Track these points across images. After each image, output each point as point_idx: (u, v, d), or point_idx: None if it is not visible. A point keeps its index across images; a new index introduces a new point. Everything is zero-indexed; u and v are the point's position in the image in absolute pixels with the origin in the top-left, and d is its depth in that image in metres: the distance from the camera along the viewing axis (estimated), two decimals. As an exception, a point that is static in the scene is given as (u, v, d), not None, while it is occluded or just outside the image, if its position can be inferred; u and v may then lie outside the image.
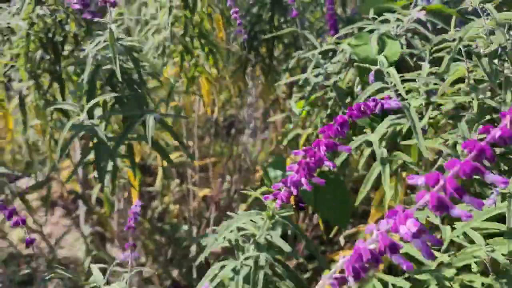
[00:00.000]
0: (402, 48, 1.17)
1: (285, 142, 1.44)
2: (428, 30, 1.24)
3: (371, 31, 1.22)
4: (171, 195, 2.14)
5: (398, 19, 1.22)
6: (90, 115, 0.90)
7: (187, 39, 1.28)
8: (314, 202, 1.37)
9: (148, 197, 2.26)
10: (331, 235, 1.49)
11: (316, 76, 1.30)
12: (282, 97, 1.99)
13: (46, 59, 1.56)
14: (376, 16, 1.25)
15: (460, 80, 0.97)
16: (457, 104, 0.93)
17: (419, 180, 0.49)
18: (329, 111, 1.32)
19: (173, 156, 2.01)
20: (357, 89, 1.28)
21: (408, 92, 1.01)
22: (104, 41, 0.91)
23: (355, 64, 1.16)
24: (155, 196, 2.28)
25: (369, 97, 0.94)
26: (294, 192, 0.76)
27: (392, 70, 0.93)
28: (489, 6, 0.85)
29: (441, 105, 0.98)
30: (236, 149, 2.24)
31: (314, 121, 1.35)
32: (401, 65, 1.18)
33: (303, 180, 0.73)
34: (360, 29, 1.29)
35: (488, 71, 0.85)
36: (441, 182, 0.46)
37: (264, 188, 0.89)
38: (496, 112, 0.87)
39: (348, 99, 1.29)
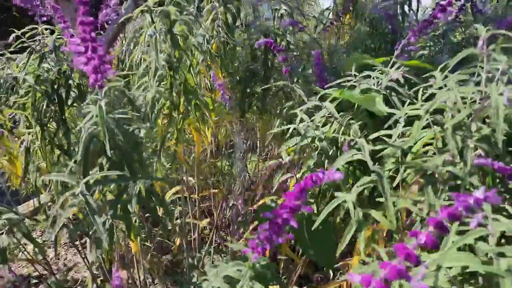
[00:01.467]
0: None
1: (276, 184, 1.51)
2: (409, 83, 1.32)
3: (354, 87, 1.30)
4: (173, 228, 2.22)
5: (379, 75, 1.29)
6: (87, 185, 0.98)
7: (174, 94, 1.37)
8: (300, 243, 1.43)
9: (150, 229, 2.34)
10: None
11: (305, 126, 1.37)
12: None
13: (52, 108, 1.67)
14: (357, 74, 1.32)
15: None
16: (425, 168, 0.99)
17: (356, 278, 0.56)
18: (316, 159, 1.39)
19: (173, 190, 2.10)
20: (341, 139, 1.36)
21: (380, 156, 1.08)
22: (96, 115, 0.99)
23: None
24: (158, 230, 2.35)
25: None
26: (267, 247, 0.84)
27: (362, 141, 0.99)
28: (452, 84, 0.91)
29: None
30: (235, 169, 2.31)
31: (302, 169, 1.42)
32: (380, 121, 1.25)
33: (274, 237, 0.82)
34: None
35: (451, 143, 0.91)
36: (373, 284, 0.53)
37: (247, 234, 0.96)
38: (457, 178, 0.92)
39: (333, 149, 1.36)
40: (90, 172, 1.06)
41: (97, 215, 0.94)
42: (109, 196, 1.17)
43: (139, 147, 1.11)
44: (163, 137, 1.44)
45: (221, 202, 2.21)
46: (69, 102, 1.66)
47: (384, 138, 1.13)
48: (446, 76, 1.07)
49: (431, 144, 1.03)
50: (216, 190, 1.99)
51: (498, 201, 0.53)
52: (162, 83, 1.39)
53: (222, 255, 2.25)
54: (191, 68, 1.40)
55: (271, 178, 1.93)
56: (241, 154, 2.12)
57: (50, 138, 1.70)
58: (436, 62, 1.59)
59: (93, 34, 0.86)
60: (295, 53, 1.92)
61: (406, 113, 1.09)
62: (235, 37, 1.88)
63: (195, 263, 2.00)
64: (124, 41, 2.15)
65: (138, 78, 1.38)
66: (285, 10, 1.93)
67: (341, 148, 1.36)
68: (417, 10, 1.76)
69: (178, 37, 1.36)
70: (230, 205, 2.05)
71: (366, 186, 1.05)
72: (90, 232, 1.31)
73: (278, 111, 1.67)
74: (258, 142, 2.31)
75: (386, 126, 1.14)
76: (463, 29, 1.97)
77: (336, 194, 1.11)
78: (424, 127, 1.02)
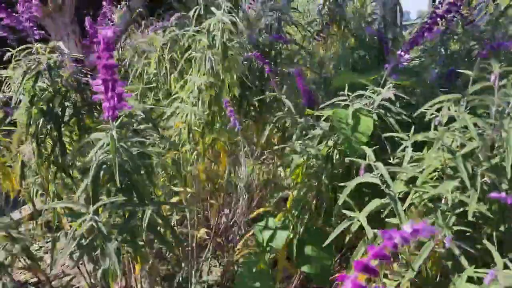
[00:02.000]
0: (375, 125, 1.29)
1: (273, 201, 1.56)
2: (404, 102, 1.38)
3: (347, 106, 1.35)
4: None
5: (371, 95, 1.35)
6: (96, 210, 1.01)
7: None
8: (296, 257, 1.49)
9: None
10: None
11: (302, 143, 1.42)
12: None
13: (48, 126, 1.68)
14: (350, 93, 1.38)
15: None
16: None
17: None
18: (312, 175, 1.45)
19: (173, 199, 2.13)
20: (336, 156, 1.41)
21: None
22: (107, 144, 1.02)
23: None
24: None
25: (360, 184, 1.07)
26: None
27: (380, 165, 1.03)
28: (465, 116, 0.97)
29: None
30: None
31: (299, 186, 1.47)
32: (379, 142, 1.31)
33: None
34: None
35: (462, 171, 0.97)
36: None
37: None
38: (465, 205, 0.98)
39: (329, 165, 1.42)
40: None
41: (108, 242, 0.98)
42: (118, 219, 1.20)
43: (150, 175, 1.14)
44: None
45: (219, 209, 2.24)
46: (66, 119, 1.67)
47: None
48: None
49: (438, 170, 1.09)
50: (213, 201, 2.03)
51: (432, 233, 0.47)
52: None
53: (219, 261, 2.30)
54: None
55: (266, 186, 1.97)
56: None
57: (47, 156, 1.71)
58: (429, 79, 1.65)
59: (115, 76, 0.89)
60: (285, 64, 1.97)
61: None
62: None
63: (193, 272, 2.04)
64: (120, 51, 2.16)
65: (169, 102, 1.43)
66: (276, 20, 1.98)
67: (334, 163, 1.42)
68: (401, 24, 1.83)
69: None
70: (227, 213, 2.09)
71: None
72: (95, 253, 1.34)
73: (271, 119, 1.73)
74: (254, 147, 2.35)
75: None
76: (455, 40, 2.02)
77: (345, 212, 1.16)
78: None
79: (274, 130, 1.75)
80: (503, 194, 0.72)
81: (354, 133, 1.28)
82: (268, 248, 1.54)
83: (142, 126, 1.21)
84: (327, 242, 1.08)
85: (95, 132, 1.10)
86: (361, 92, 1.37)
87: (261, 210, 1.75)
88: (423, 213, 1.05)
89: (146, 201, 1.10)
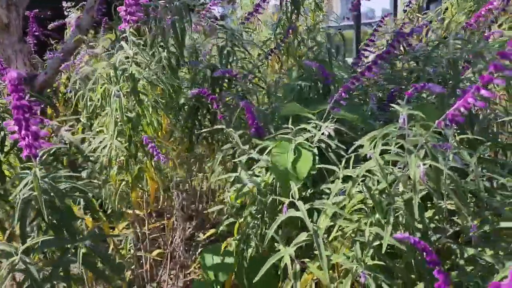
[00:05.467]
0: (314, 159, 1.33)
1: (220, 229, 1.57)
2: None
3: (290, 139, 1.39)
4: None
5: (313, 130, 1.39)
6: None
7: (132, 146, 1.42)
8: (242, 284, 1.50)
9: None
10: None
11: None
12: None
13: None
14: (292, 127, 1.41)
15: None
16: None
17: None
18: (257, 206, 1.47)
19: (123, 224, 2.11)
20: (278, 189, 1.45)
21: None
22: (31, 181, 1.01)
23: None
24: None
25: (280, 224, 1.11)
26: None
27: (300, 204, 1.08)
28: (376, 155, 1.02)
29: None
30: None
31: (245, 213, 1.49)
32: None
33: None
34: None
35: (376, 205, 1.02)
36: None
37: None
38: (381, 238, 1.02)
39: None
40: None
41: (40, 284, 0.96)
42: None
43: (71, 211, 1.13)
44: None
45: (171, 232, 2.23)
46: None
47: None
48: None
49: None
50: (158, 223, 2.02)
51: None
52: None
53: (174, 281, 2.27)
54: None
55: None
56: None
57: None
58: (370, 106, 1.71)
59: (27, 115, 0.89)
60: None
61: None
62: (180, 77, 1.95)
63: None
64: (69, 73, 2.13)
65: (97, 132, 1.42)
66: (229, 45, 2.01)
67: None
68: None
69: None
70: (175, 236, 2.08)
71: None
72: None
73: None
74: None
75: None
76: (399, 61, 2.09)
77: (276, 246, 1.19)
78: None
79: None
80: (407, 234, 0.76)
81: (295, 167, 1.31)
82: (214, 276, 1.54)
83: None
84: (261, 273, 1.11)
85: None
86: (304, 125, 1.41)
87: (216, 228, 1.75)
88: (347, 245, 1.09)
89: (79, 236, 1.08)
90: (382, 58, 1.45)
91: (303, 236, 1.08)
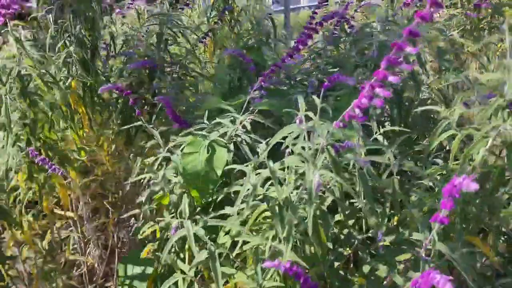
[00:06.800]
0: (230, 156, 1.22)
1: (140, 237, 1.46)
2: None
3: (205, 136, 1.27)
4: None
5: (229, 124, 1.27)
6: None
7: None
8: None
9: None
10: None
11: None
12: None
13: None
14: (207, 122, 1.29)
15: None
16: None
17: None
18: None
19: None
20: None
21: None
22: None
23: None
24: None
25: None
26: None
27: (187, 225, 0.98)
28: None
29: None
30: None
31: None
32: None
33: None
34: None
35: (277, 224, 0.91)
36: None
37: None
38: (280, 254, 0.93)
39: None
40: None
41: None
42: None
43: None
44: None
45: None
46: None
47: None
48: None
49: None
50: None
51: None
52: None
53: None
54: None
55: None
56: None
57: None
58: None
59: None
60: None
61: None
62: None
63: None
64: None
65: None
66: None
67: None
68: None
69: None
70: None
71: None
72: None
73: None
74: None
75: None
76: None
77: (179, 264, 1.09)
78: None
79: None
80: (276, 261, 0.66)
81: (207, 167, 1.20)
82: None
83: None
84: None
85: None
86: (220, 120, 1.29)
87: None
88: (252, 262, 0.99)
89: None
90: (302, 43, 1.33)
91: (202, 255, 0.97)
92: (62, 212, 1.88)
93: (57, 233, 1.88)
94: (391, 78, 0.75)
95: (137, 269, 1.43)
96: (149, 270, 1.41)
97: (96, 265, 1.76)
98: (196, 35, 1.97)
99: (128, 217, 1.95)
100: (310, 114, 0.89)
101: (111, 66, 1.82)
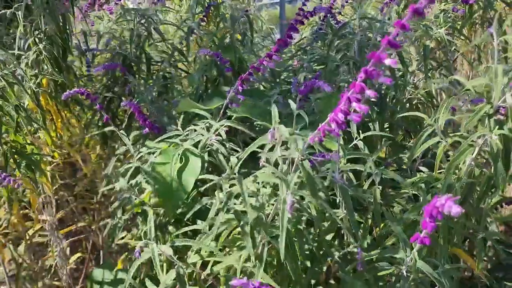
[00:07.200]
0: (203, 167, 1.15)
1: (116, 241, 1.40)
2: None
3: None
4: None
5: (203, 132, 1.20)
6: None
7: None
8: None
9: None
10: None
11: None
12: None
13: None
14: (180, 129, 1.22)
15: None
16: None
17: None
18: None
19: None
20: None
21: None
22: None
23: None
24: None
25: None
26: None
27: (153, 247, 0.91)
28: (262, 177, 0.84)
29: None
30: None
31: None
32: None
33: None
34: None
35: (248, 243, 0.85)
36: None
37: None
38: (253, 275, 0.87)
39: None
40: None
41: None
42: None
43: None
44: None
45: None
46: None
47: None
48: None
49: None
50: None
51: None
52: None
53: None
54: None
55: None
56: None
57: None
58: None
59: None
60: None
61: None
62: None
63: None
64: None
65: None
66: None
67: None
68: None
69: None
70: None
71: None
72: None
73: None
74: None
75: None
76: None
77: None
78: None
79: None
80: (245, 279, 0.60)
81: (180, 178, 1.13)
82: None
83: None
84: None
85: None
86: (194, 127, 1.22)
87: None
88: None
89: None
90: (283, 43, 1.25)
91: (171, 276, 0.91)
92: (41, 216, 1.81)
93: (30, 237, 1.82)
94: (369, 92, 0.68)
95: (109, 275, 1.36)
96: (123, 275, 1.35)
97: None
98: (183, 31, 1.89)
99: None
100: (282, 128, 0.81)
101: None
